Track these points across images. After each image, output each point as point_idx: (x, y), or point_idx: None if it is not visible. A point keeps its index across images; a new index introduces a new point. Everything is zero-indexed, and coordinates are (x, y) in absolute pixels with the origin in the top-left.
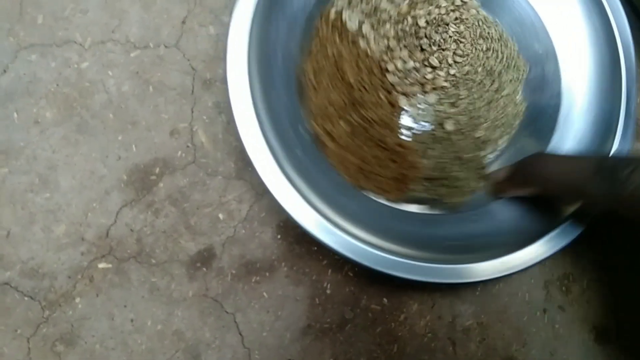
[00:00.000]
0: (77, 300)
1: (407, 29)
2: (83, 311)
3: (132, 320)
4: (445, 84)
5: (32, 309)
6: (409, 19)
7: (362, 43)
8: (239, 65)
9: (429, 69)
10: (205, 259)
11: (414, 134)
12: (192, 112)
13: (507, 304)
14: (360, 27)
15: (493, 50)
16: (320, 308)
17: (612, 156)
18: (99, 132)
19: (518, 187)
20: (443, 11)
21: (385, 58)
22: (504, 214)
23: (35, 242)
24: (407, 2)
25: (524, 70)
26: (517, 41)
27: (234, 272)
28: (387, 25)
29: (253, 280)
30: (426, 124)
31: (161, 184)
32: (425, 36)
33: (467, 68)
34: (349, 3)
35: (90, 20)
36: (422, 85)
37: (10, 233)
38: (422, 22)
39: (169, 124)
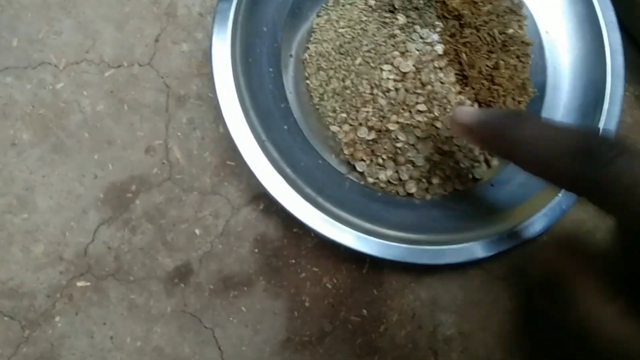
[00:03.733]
0: (57, 319)
1: None
2: (63, 330)
3: (111, 338)
4: None
5: (12, 328)
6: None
7: None
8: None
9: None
10: (182, 274)
11: None
12: (167, 129)
13: (489, 313)
14: None
15: None
16: (299, 321)
17: (596, 134)
18: (75, 151)
19: (480, 141)
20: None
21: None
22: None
23: (14, 263)
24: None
25: None
26: None
27: (211, 287)
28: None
29: (231, 294)
30: None
31: (138, 202)
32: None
33: None
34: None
35: (64, 42)
36: None
37: None
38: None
39: (144, 142)
